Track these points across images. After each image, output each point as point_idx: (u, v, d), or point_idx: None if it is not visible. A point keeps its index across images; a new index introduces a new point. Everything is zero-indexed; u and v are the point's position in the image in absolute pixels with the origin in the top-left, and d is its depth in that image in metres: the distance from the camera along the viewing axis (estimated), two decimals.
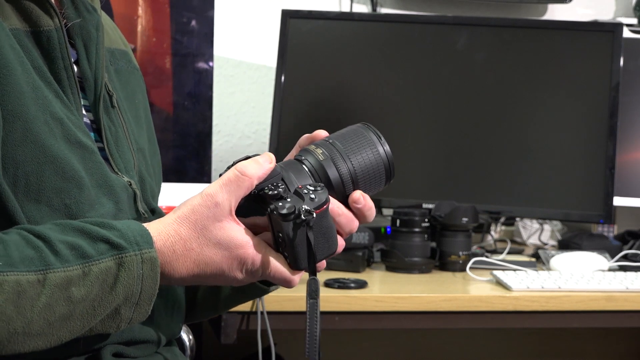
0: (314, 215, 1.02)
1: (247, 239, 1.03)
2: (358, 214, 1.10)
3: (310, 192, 1.03)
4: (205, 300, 1.31)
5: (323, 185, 1.05)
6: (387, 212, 2.40)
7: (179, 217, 1.02)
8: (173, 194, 2.04)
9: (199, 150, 2.21)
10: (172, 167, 2.19)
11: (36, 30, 1.09)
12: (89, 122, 1.15)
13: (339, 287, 1.79)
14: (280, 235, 1.03)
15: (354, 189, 1.09)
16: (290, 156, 1.13)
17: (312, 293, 1.04)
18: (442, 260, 2.04)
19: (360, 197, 1.08)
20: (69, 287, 0.95)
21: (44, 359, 1.03)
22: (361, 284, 1.81)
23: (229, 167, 1.05)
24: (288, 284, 1.06)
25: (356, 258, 1.97)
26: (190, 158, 2.20)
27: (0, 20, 1.05)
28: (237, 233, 1.03)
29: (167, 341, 1.23)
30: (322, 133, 1.12)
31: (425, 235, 2.01)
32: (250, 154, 1.07)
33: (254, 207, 1.05)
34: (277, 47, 2.27)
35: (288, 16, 2.27)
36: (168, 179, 2.13)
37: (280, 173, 1.05)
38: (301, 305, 1.70)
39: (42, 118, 1.04)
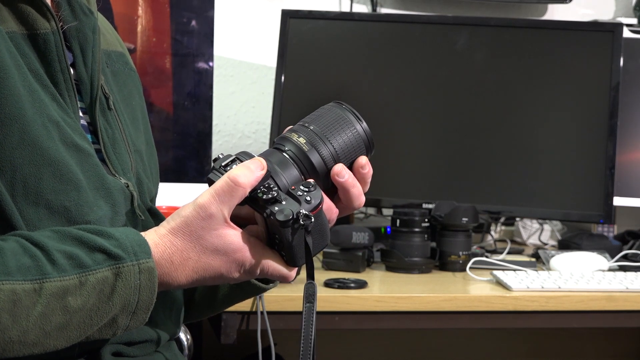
0: (312, 219, 1.02)
1: (244, 243, 1.03)
2: (359, 180, 1.10)
3: (305, 193, 1.03)
4: (203, 300, 1.31)
5: (314, 183, 1.04)
6: (387, 212, 2.40)
7: (172, 229, 1.02)
8: (173, 194, 2.04)
9: (199, 150, 2.20)
10: (172, 167, 2.18)
11: (33, 34, 1.09)
12: (85, 124, 1.14)
13: (339, 287, 1.79)
14: (277, 237, 1.03)
15: None
16: None
17: (309, 297, 1.05)
18: (442, 260, 2.04)
19: (342, 170, 1.07)
20: (65, 296, 0.95)
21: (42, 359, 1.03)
22: (361, 284, 1.81)
23: (214, 168, 1.04)
24: (285, 279, 1.08)
25: (356, 258, 1.97)
26: (190, 158, 2.20)
27: None
28: (234, 238, 1.03)
29: (166, 340, 1.23)
30: None
31: (425, 235, 2.00)
32: (234, 154, 1.06)
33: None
34: (277, 47, 2.27)
35: (288, 16, 2.28)
36: (168, 178, 2.12)
37: (269, 171, 1.04)
38: (301, 306, 1.70)
39: (39, 121, 1.04)
